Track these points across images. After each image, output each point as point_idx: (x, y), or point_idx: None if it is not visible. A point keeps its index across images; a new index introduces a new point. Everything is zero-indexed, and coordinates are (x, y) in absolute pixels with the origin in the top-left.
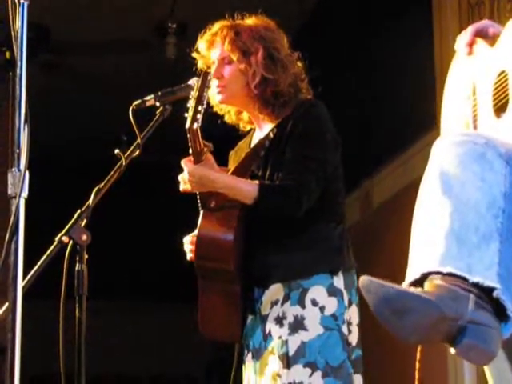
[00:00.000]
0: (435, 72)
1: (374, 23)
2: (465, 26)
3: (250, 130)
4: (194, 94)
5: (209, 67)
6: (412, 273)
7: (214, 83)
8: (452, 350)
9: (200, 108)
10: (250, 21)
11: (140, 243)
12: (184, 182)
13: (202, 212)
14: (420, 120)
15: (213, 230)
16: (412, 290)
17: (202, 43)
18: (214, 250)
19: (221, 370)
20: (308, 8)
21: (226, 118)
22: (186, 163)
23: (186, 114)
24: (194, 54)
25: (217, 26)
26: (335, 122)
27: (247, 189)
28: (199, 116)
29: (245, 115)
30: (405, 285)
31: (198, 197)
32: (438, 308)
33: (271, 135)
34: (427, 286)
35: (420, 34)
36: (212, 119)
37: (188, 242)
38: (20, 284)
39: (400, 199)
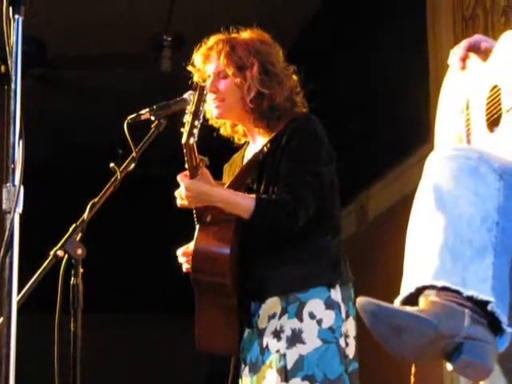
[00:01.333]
0: (430, 86)
1: (369, 37)
2: (459, 39)
3: (245, 143)
4: (190, 108)
5: (204, 81)
6: (406, 287)
7: (209, 97)
8: (449, 367)
9: (196, 123)
10: (246, 34)
11: (136, 256)
12: (181, 198)
13: (197, 226)
14: (414, 134)
15: (209, 244)
16: (408, 309)
17: (197, 57)
18: (211, 264)
19: None
20: (304, 22)
21: (222, 131)
22: (182, 179)
23: (182, 129)
24: (190, 68)
25: (212, 39)
26: (331, 136)
27: (244, 203)
28: (195, 131)
29: (240, 128)
30: (400, 299)
31: (194, 211)
32: (435, 327)
33: (265, 149)
34: (422, 302)
35: (415, 48)
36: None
37: (181, 255)
38: (15, 299)
39: (395, 212)
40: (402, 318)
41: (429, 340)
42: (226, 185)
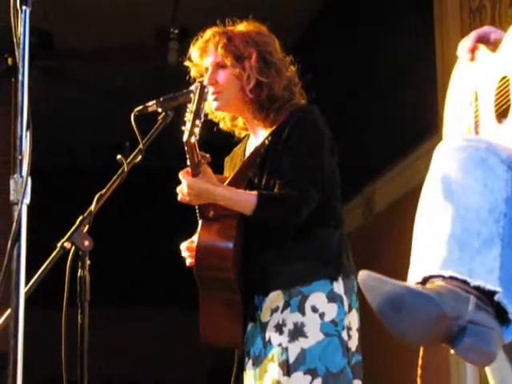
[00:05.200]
0: (437, 78)
1: (376, 30)
2: (466, 31)
3: (245, 136)
4: (190, 107)
5: (202, 75)
6: (413, 276)
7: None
8: (452, 350)
9: (198, 122)
10: (242, 26)
11: (142, 249)
12: (182, 194)
13: (200, 222)
14: (421, 126)
15: (212, 240)
16: (412, 285)
17: (194, 51)
18: (214, 259)
19: (222, 377)
20: (308, 15)
21: (221, 125)
22: (184, 176)
23: (183, 127)
24: (187, 63)
25: (208, 32)
26: (336, 129)
27: (246, 200)
28: (197, 130)
29: (240, 121)
30: None
31: (197, 207)
32: (438, 305)
33: (266, 142)
34: (428, 285)
35: (422, 40)
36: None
37: (185, 249)
38: (22, 290)
39: (401, 205)
40: (405, 293)
41: (431, 318)
42: (228, 179)
